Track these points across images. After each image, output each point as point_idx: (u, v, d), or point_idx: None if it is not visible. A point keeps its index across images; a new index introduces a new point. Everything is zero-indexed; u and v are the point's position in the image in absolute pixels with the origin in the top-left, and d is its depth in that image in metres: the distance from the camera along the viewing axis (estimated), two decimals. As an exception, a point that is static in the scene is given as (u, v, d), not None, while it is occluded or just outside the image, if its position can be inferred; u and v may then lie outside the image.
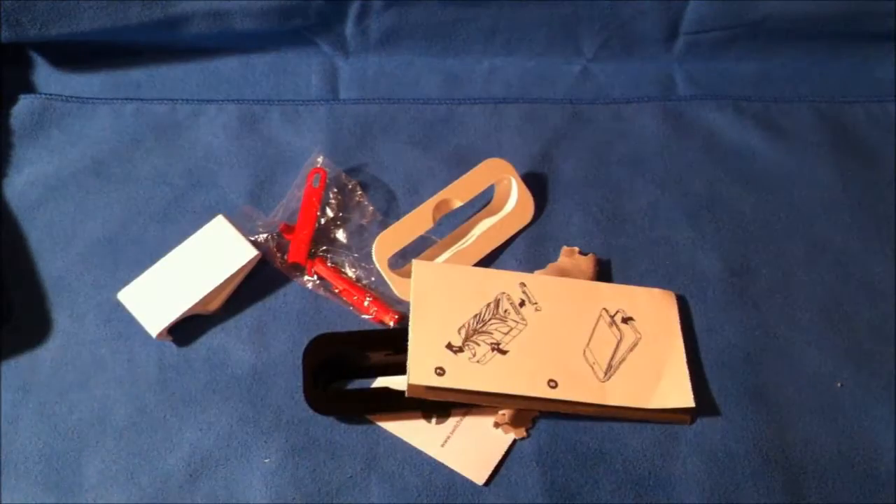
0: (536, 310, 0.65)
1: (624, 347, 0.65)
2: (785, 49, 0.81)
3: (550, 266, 0.70)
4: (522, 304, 0.65)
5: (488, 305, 0.65)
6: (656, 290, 0.69)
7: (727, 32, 0.80)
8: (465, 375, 0.61)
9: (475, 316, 0.64)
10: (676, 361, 0.65)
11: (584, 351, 0.64)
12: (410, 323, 0.63)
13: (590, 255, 0.70)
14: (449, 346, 0.62)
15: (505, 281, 0.66)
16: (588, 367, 0.63)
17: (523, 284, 0.66)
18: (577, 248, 0.71)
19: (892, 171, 0.77)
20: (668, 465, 0.63)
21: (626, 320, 0.66)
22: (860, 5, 0.77)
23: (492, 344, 0.63)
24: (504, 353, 0.63)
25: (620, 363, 0.64)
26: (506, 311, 0.65)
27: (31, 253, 0.70)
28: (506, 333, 0.64)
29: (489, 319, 0.64)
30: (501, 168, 0.72)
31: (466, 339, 0.63)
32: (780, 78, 0.82)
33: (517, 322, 0.64)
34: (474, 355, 0.62)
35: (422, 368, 0.60)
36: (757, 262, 0.72)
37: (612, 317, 0.66)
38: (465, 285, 0.66)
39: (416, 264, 0.66)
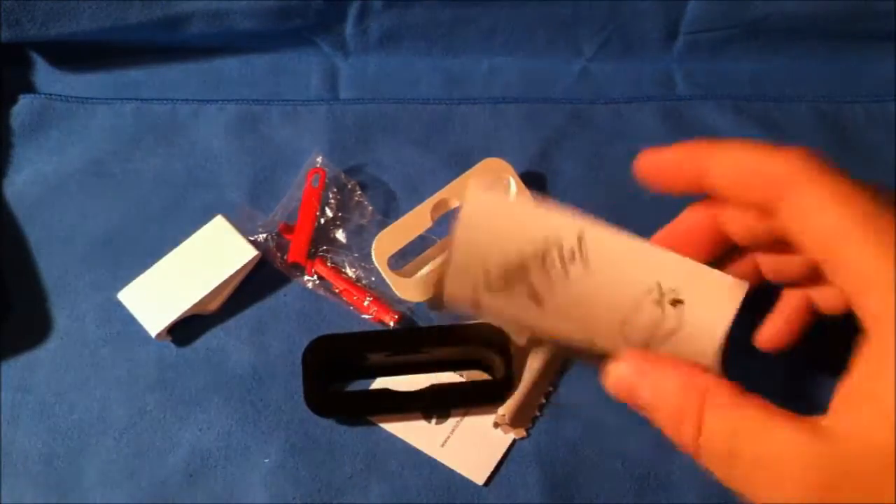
0: (585, 266, 0.57)
1: (660, 334, 0.57)
2: (785, 49, 0.81)
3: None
4: (573, 257, 0.57)
5: (536, 252, 0.57)
6: (728, 278, 0.56)
7: (727, 32, 0.79)
8: (497, 308, 0.56)
9: (519, 260, 0.57)
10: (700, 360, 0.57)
11: (621, 323, 0.57)
12: (453, 248, 0.55)
13: (590, 255, 0.70)
14: (487, 285, 0.57)
15: (562, 226, 0.57)
16: (621, 339, 0.57)
17: (581, 238, 0.57)
18: (577, 248, 0.70)
19: (892, 171, 0.77)
20: (667, 465, 0.63)
21: (674, 302, 0.57)
22: (860, 5, 0.77)
23: (529, 294, 0.57)
24: (540, 304, 0.57)
25: (647, 347, 0.57)
26: (553, 261, 0.57)
27: (31, 253, 0.70)
28: (547, 286, 0.57)
29: (533, 267, 0.57)
30: (500, 168, 0.72)
31: (506, 282, 0.57)
32: (780, 78, 0.82)
33: (561, 276, 0.57)
34: (510, 299, 0.57)
35: (461, 282, 0.55)
36: (757, 262, 0.71)
37: (662, 294, 0.57)
38: (518, 225, 0.58)
39: (472, 189, 0.56)
